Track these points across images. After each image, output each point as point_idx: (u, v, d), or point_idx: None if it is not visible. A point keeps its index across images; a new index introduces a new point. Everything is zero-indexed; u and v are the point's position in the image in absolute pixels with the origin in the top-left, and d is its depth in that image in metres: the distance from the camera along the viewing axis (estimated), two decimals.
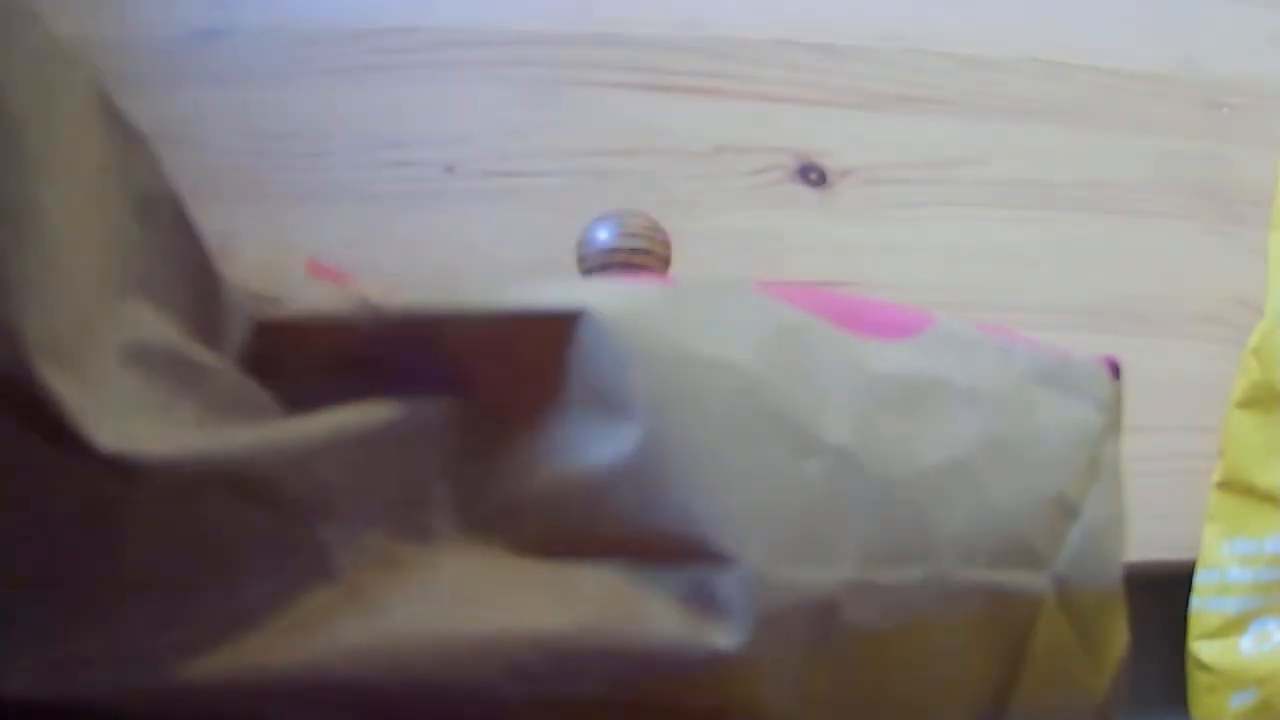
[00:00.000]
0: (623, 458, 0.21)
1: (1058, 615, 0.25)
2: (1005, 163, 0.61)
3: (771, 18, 0.60)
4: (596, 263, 0.53)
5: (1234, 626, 0.55)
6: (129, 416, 0.18)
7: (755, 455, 0.22)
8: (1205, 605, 0.56)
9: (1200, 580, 0.56)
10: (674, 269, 0.55)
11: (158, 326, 0.20)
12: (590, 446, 0.22)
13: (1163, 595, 0.57)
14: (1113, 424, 0.29)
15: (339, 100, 0.57)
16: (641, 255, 0.54)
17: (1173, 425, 0.59)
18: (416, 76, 0.57)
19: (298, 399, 0.21)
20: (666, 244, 0.54)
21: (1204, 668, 0.55)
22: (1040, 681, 0.25)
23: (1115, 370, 0.30)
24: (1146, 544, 0.56)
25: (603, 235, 0.54)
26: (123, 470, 0.18)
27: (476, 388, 0.22)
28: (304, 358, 0.21)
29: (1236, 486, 0.56)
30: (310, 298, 0.22)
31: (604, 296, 0.22)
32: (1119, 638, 0.27)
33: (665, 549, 0.21)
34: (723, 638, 0.21)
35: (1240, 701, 0.54)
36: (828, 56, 0.60)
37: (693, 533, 0.21)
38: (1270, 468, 0.55)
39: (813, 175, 0.59)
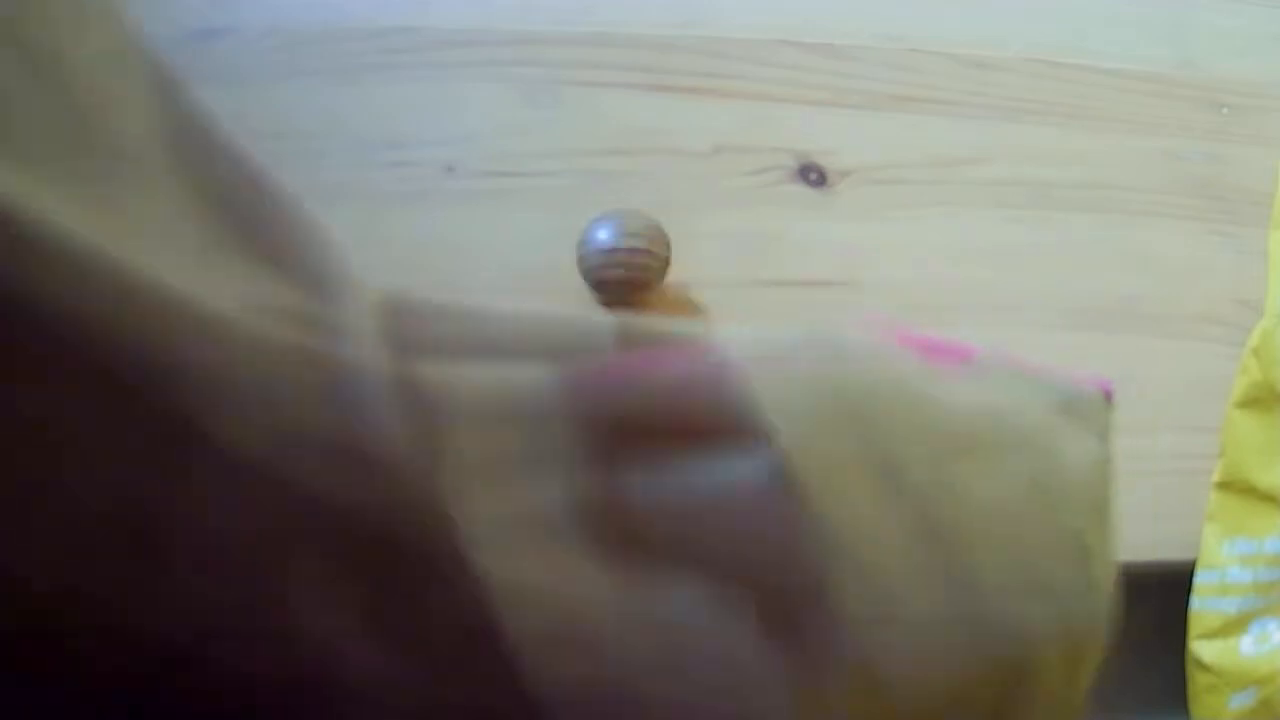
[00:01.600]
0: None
1: (1057, 656, 0.25)
2: (1005, 163, 0.61)
3: (771, 18, 0.60)
4: (596, 263, 0.53)
5: (1234, 626, 0.55)
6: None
7: (865, 505, 0.23)
8: (1205, 605, 0.56)
9: (1200, 580, 0.56)
10: (674, 269, 0.55)
11: None
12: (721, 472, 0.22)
13: (1163, 595, 0.57)
14: (1110, 457, 0.29)
15: (338, 100, 0.57)
16: (642, 255, 0.53)
17: (1173, 425, 0.59)
18: (416, 76, 0.57)
19: None
20: (666, 244, 0.54)
21: (1204, 668, 0.55)
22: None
23: (1108, 395, 0.31)
24: (1146, 544, 0.56)
25: (603, 235, 0.54)
26: None
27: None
28: None
29: (1236, 486, 0.56)
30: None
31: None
32: (1093, 670, 0.27)
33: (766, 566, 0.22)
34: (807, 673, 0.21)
35: (1240, 701, 0.54)
36: (828, 56, 0.60)
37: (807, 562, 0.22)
38: (1270, 468, 0.55)
39: (813, 175, 0.59)
